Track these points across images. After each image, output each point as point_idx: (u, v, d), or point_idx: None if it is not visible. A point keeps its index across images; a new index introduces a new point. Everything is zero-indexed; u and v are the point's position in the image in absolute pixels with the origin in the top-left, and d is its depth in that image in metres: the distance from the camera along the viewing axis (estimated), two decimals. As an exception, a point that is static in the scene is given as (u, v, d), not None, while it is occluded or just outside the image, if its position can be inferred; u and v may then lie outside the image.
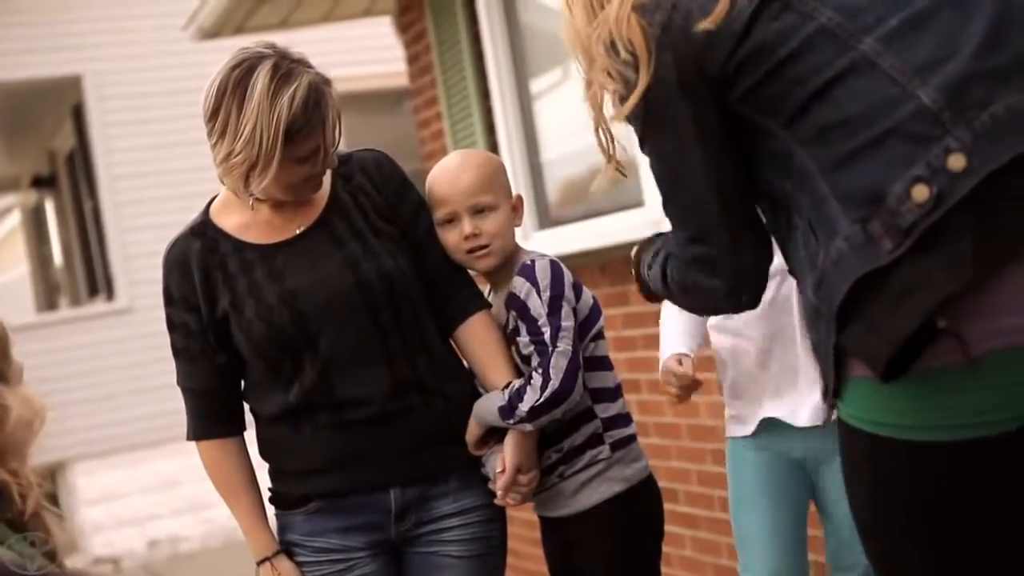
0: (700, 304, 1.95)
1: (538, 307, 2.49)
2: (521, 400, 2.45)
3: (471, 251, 2.56)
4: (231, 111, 2.37)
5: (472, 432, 2.54)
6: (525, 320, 2.50)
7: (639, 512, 2.57)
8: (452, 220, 2.57)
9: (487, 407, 2.51)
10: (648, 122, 1.77)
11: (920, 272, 1.50)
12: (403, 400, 2.51)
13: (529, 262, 2.54)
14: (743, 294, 1.82)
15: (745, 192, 1.78)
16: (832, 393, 1.68)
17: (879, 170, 1.55)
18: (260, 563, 2.57)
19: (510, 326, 2.56)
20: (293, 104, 2.36)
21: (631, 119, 1.79)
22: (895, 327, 1.51)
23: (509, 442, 2.52)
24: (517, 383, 2.48)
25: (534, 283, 2.50)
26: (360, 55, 9.64)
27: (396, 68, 7.07)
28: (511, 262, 2.60)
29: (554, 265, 2.54)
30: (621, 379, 2.67)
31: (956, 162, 1.49)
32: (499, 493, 2.53)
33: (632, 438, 2.59)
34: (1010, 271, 1.50)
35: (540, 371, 2.45)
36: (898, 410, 1.58)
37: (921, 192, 1.49)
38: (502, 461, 2.51)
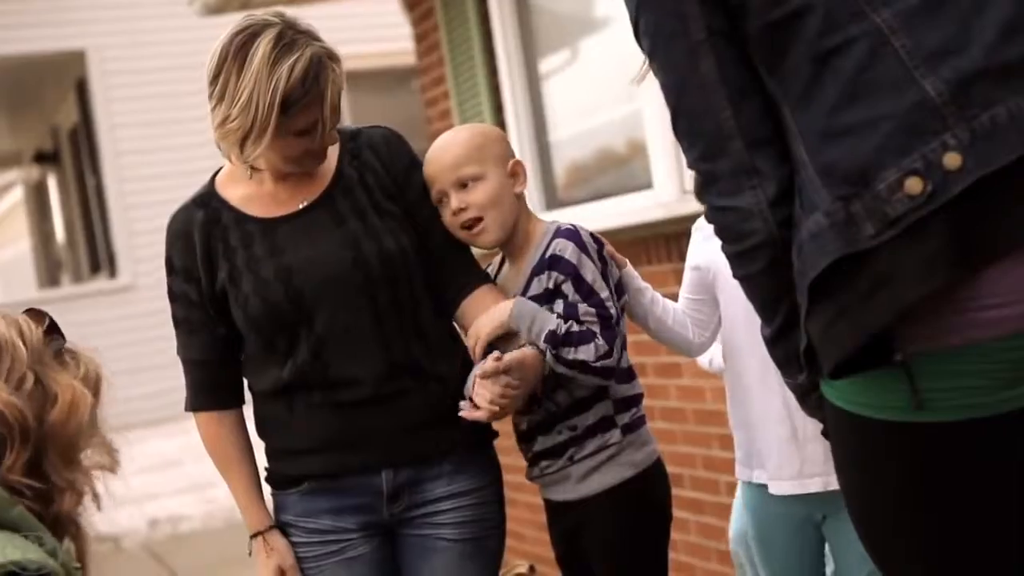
0: (723, 231, 1.73)
1: (596, 276, 2.45)
2: (575, 347, 2.38)
3: (465, 227, 2.52)
4: (231, 76, 2.36)
5: (493, 328, 2.44)
6: (580, 286, 2.43)
7: (648, 497, 2.55)
8: (443, 199, 2.54)
9: (529, 314, 2.41)
10: (655, 23, 1.70)
11: (897, 265, 1.50)
12: (397, 382, 2.49)
13: (570, 226, 2.49)
14: (760, 221, 1.67)
15: (766, 108, 1.67)
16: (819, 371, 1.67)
17: (870, 152, 1.52)
18: (253, 537, 2.57)
19: (542, 287, 2.48)
20: (291, 75, 2.33)
21: (641, 32, 1.72)
22: (864, 318, 1.52)
23: (525, 352, 2.40)
24: (576, 327, 2.40)
25: (582, 247, 2.46)
26: (367, 32, 9.60)
27: (403, 46, 7.03)
28: (526, 233, 2.55)
29: (593, 235, 2.51)
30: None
31: (952, 160, 1.47)
32: (472, 384, 2.41)
33: (642, 420, 2.57)
34: (987, 271, 1.49)
35: (605, 340, 2.40)
36: (878, 390, 1.58)
37: (915, 185, 1.48)
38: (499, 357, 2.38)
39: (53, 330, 1.66)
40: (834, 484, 2.57)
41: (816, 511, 2.67)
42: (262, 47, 2.34)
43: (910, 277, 1.49)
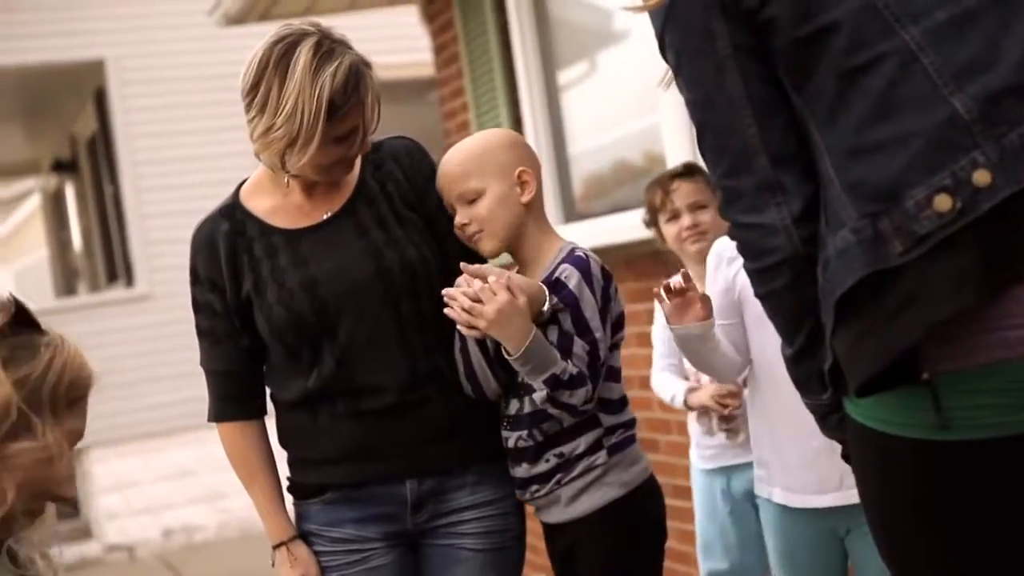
0: (745, 248, 1.73)
1: (595, 313, 2.43)
2: (571, 392, 2.38)
3: (469, 239, 2.54)
4: (272, 86, 2.37)
5: (519, 296, 2.36)
6: (578, 320, 2.43)
7: (638, 515, 2.53)
8: (453, 211, 2.56)
9: (541, 350, 2.37)
10: (681, 39, 1.69)
11: (926, 282, 1.49)
12: (420, 391, 2.50)
13: (583, 254, 2.48)
14: (783, 237, 1.66)
15: (791, 124, 1.65)
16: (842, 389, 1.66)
17: (898, 169, 1.51)
18: (276, 547, 2.57)
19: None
20: (334, 82, 2.35)
21: (667, 47, 1.71)
22: (892, 336, 1.51)
23: (523, 324, 2.37)
24: (572, 369, 2.39)
25: (588, 280, 2.44)
26: (385, 44, 9.56)
27: (422, 58, 7.03)
28: (538, 246, 2.55)
29: (604, 269, 2.49)
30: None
31: (981, 177, 1.46)
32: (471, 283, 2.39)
33: (630, 440, 2.54)
34: (1014, 289, 1.48)
35: (591, 382, 2.41)
36: (901, 408, 1.57)
37: (944, 202, 1.47)
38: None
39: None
40: (848, 499, 2.58)
41: (839, 524, 2.67)
42: (303, 56, 2.35)
43: (939, 295, 1.48)
